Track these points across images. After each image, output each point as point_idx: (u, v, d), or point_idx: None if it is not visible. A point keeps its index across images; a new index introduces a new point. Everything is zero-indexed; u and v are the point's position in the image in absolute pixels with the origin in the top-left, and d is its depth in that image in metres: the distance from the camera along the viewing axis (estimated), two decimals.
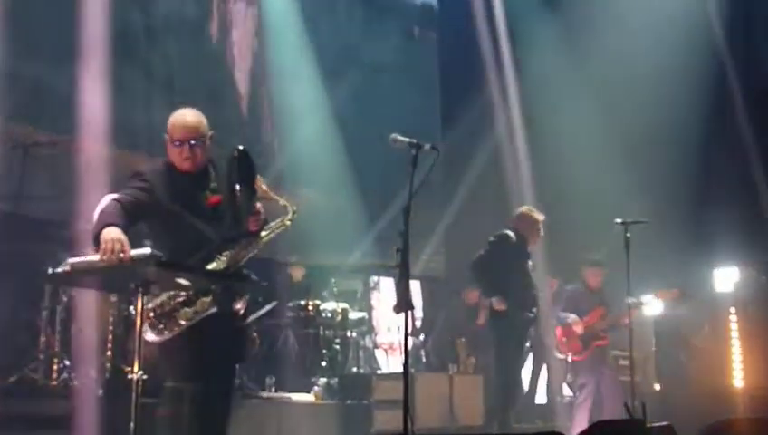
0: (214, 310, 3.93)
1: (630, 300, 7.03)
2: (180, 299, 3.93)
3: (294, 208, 4.24)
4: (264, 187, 4.17)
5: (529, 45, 10.82)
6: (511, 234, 7.02)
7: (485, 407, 8.05)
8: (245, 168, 4.03)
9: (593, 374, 7.69)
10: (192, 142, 4.02)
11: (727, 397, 8.12)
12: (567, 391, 8.87)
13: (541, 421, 8.53)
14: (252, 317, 4.17)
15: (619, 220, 6.80)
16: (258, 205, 4.09)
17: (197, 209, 4.03)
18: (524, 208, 7.23)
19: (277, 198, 4.24)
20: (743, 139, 9.83)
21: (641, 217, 7.05)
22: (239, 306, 4.10)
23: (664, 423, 3.96)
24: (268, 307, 4.36)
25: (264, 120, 10.71)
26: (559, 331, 7.88)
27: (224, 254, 4.01)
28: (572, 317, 7.73)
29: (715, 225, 9.45)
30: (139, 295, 3.75)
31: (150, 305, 3.88)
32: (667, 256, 9.22)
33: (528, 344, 8.01)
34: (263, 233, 4.14)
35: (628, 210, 7.33)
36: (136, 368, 3.73)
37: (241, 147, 4.05)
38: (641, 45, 9.88)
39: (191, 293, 3.89)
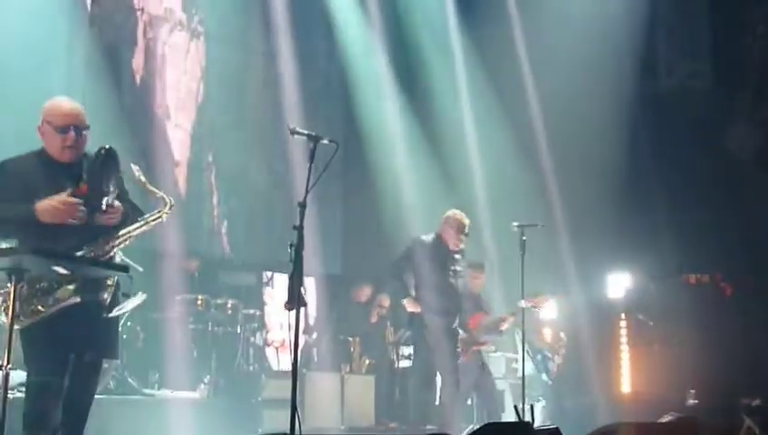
0: (76, 300, 3.85)
1: (524, 303, 7.20)
2: (41, 285, 3.82)
3: (171, 202, 4.23)
4: (143, 178, 4.19)
5: (434, 39, 10.90)
6: (426, 238, 7.16)
7: (376, 407, 8.14)
8: (110, 166, 4.05)
9: (471, 376, 7.83)
10: (76, 129, 4.00)
11: (615, 402, 8.43)
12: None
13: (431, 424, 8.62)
14: (118, 310, 4.07)
15: (515, 223, 6.99)
16: (117, 203, 4.06)
17: (70, 195, 3.97)
18: (450, 212, 7.30)
19: (154, 190, 4.24)
20: (639, 146, 10.20)
21: (538, 221, 7.27)
22: (105, 297, 4.01)
23: (551, 426, 4.08)
24: (137, 300, 4.27)
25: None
26: None
27: (90, 245, 3.96)
28: None
29: (610, 231, 9.79)
30: (11, 284, 3.64)
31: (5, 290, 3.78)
32: (562, 261, 9.50)
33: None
34: (135, 225, 4.10)
35: (525, 213, 7.53)
36: (5, 361, 3.62)
37: (108, 146, 4.03)
38: (550, 48, 10.12)
39: (53, 280, 3.81)
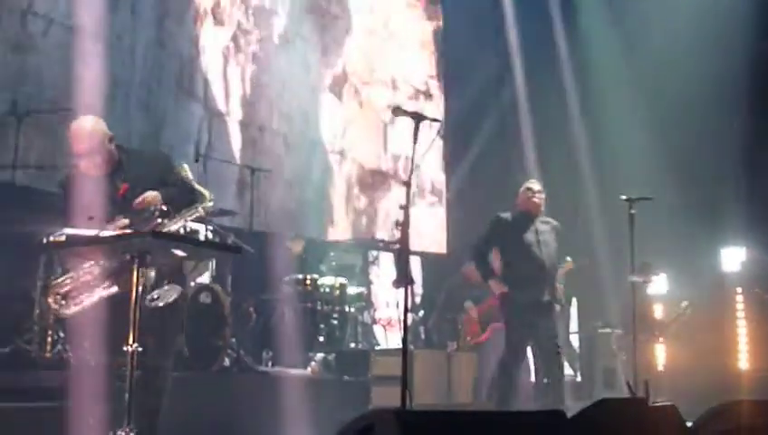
0: (114, 289, 4.03)
1: (634, 279, 7.02)
2: (85, 279, 4.03)
3: (211, 197, 4.34)
4: (189, 176, 4.35)
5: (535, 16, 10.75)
6: (503, 215, 6.97)
7: (474, 383, 8.15)
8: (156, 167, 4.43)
9: (494, 353, 7.77)
10: (85, 157, 4.22)
11: (731, 378, 8.16)
12: (568, 370, 8.95)
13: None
14: (149, 300, 4.14)
15: (624, 197, 6.79)
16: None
17: (110, 202, 4.20)
18: (524, 184, 7.18)
19: (196, 186, 4.37)
20: (755, 114, 9.76)
21: (648, 194, 7.04)
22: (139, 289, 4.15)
23: (667, 403, 3.97)
24: (173, 293, 4.27)
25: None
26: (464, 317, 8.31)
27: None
28: (468, 303, 8.20)
29: (724, 204, 9.43)
30: (135, 266, 3.80)
31: (57, 281, 4.09)
32: (674, 235, 9.22)
33: None
34: (175, 219, 4.21)
35: (635, 187, 7.31)
36: (131, 340, 3.79)
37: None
38: (658, 23, 9.78)
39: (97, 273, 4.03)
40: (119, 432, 3.82)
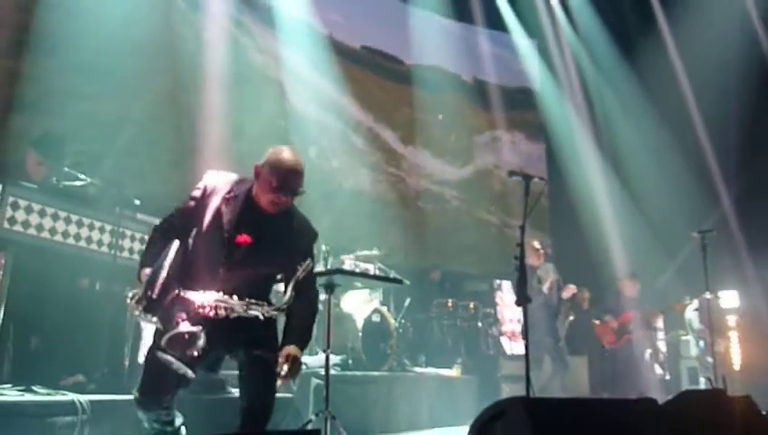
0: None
1: (708, 296, 6.61)
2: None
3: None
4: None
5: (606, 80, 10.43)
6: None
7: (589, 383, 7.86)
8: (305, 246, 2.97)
9: (621, 360, 7.65)
10: (293, 192, 2.82)
11: None
12: (658, 370, 8.47)
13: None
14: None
15: (696, 231, 6.45)
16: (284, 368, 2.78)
17: (220, 243, 2.80)
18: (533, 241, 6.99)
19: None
20: None
21: (713, 227, 6.67)
22: None
23: (743, 395, 3.71)
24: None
25: None
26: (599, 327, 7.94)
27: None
28: (608, 316, 7.85)
29: None
30: (327, 295, 3.99)
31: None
32: (740, 260, 8.61)
33: None
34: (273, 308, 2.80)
35: (695, 220, 6.95)
36: (327, 345, 3.96)
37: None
38: (704, 66, 9.21)
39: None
40: (320, 414, 3.97)
